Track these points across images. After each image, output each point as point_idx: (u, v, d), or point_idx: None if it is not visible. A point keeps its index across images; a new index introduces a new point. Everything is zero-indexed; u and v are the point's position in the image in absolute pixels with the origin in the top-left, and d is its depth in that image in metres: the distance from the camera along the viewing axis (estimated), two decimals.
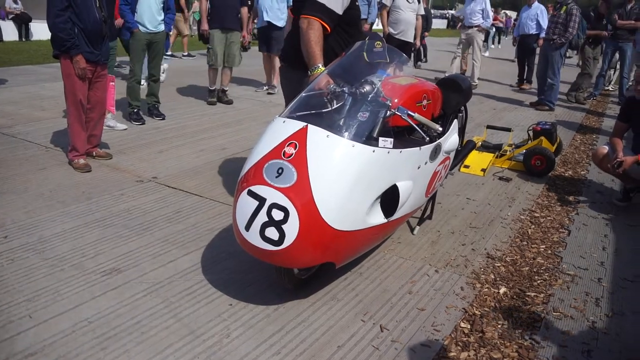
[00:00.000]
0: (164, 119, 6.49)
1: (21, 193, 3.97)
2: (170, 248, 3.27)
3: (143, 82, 6.66)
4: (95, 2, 4.29)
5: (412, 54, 8.57)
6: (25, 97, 7.34)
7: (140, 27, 5.94)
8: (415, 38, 8.53)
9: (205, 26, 7.12)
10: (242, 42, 7.44)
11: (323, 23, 3.07)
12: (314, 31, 3.06)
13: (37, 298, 2.67)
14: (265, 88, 8.89)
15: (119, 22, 6.42)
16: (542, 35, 9.81)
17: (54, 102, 6.88)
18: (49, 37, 4.29)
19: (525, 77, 11.15)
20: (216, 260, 3.15)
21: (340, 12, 3.16)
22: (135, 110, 6.23)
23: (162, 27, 6.16)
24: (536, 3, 10.57)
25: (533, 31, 10.50)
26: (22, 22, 16.02)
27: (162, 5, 6.07)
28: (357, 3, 3.33)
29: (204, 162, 4.95)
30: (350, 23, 3.32)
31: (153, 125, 6.20)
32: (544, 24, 10.02)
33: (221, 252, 3.23)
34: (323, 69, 2.98)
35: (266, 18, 7.99)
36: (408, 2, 8.09)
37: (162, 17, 6.12)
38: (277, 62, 8.33)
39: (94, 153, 4.80)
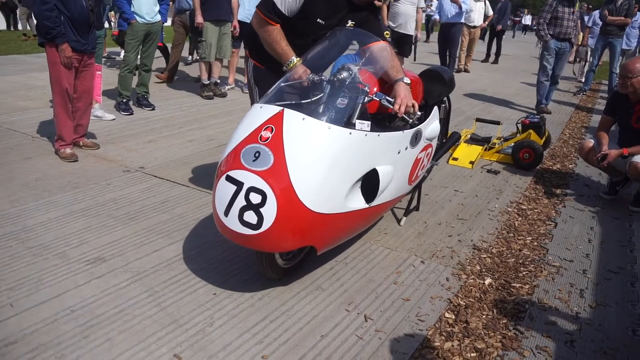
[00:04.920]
0: (153, 109, 6.46)
1: (6, 182, 3.93)
2: (156, 237, 3.25)
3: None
4: None
5: (413, 47, 8.52)
6: (12, 86, 7.27)
7: (138, 18, 5.96)
8: (415, 30, 8.55)
9: (200, 19, 7.02)
10: (233, 33, 7.36)
11: (271, 22, 3.00)
12: (268, 33, 3.01)
13: (19, 287, 2.65)
14: (228, 87, 8.13)
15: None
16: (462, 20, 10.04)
17: (41, 92, 6.82)
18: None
19: None
20: (201, 249, 3.14)
21: (288, 15, 3.00)
22: (124, 101, 6.20)
23: (158, 18, 6.20)
24: None
25: (458, 19, 10.18)
26: (10, 10, 15.85)
27: None
28: (318, 20, 3.03)
29: (192, 153, 4.93)
30: (302, 34, 3.10)
31: (142, 116, 6.16)
32: (465, 9, 10.14)
33: (206, 242, 3.22)
34: (298, 60, 2.96)
35: (240, 16, 7.43)
36: None
37: (158, 7, 6.16)
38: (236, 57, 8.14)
39: (80, 143, 4.76)
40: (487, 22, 12.09)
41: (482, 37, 12.46)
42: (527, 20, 41.97)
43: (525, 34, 37.64)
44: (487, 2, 11.60)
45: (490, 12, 11.60)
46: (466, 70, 11.53)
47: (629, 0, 8.88)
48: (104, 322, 2.44)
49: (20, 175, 4.09)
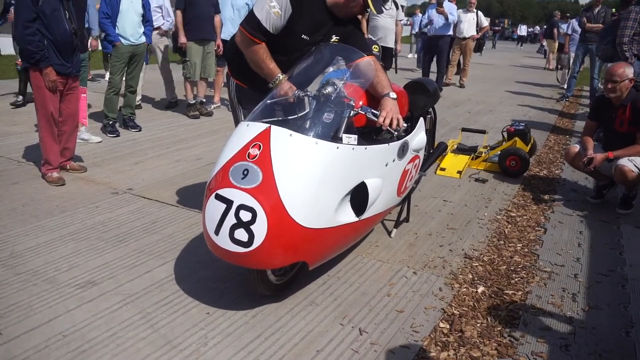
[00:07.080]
0: (139, 130, 6.44)
1: None
2: (147, 259, 3.23)
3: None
4: (65, 13, 4.24)
5: (394, 59, 8.58)
6: None
7: (123, 40, 6.00)
8: (395, 43, 8.60)
9: (183, 39, 7.03)
10: (217, 52, 7.39)
11: (257, 40, 2.98)
12: (254, 52, 3.00)
13: (8, 314, 2.61)
14: (214, 106, 8.16)
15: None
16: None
17: (26, 117, 6.77)
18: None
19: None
20: (193, 269, 3.12)
21: (273, 32, 2.98)
22: (110, 123, 6.17)
23: (143, 39, 6.25)
24: (446, 1, 10.08)
25: (445, 31, 10.01)
26: None
27: (142, 17, 6.16)
28: (303, 37, 3.03)
29: (180, 173, 4.91)
30: (286, 50, 3.09)
31: (128, 137, 6.14)
32: (452, 21, 9.99)
33: (198, 262, 3.20)
34: (283, 77, 2.96)
35: (223, 35, 7.34)
36: (385, 8, 8.15)
37: (143, 29, 6.20)
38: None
39: (67, 166, 4.73)
40: (480, 34, 11.70)
41: (476, 50, 12.03)
42: (522, 30, 40.63)
43: (521, 45, 37.05)
44: (480, 13, 11.27)
45: (485, 23, 11.34)
46: (462, 86, 11.36)
47: (606, 8, 9.06)
48: (96, 346, 2.40)
49: (6, 200, 4.04)
